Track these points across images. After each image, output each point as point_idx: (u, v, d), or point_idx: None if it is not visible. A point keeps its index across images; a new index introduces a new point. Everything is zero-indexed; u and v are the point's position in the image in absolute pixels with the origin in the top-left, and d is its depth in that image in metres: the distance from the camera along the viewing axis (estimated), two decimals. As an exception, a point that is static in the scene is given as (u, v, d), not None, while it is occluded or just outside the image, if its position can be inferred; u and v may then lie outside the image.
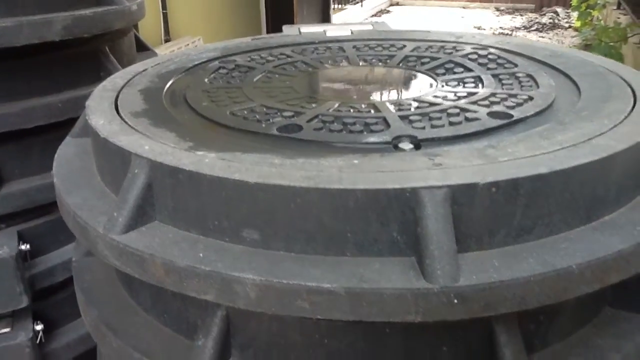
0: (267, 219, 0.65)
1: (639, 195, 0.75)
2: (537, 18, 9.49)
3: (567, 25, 8.85)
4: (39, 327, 1.31)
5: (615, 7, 6.84)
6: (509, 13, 10.12)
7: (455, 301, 0.59)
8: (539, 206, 0.64)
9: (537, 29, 8.66)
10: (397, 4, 10.99)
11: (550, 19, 9.38)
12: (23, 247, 1.28)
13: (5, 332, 1.27)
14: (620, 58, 4.67)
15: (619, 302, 0.81)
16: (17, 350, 1.26)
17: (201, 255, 0.66)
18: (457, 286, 0.59)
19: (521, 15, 9.91)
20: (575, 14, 8.15)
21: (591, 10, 7.48)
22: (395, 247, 0.63)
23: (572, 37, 7.41)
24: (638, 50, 4.89)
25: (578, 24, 7.44)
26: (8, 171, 1.29)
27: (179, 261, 0.65)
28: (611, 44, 5.11)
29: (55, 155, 0.94)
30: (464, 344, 0.70)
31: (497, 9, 10.43)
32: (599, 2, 7.26)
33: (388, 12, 10.21)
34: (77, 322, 1.41)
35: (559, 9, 9.81)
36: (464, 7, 10.50)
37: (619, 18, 6.22)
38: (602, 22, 6.98)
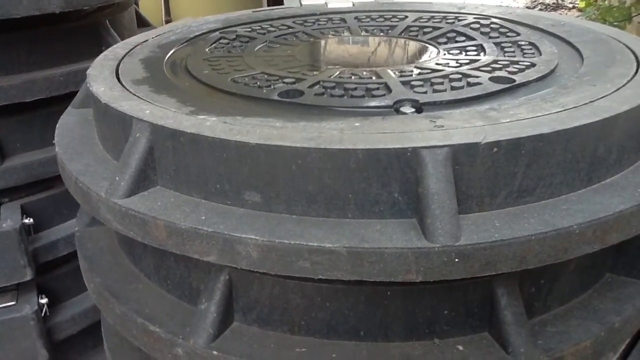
0: (268, 180, 0.65)
1: (640, 159, 0.75)
2: (540, -2, 9.40)
3: (571, 5, 8.77)
4: (43, 301, 1.32)
5: (619, -13, 6.77)
6: (512, -7, 10.02)
7: (456, 260, 0.59)
8: (540, 167, 0.64)
9: (540, 10, 8.58)
10: (400, -16, 10.90)
11: (554, -1, 9.28)
12: (26, 220, 1.29)
13: (11, 305, 1.28)
14: (624, 37, 4.63)
15: (620, 268, 0.82)
16: (22, 322, 1.27)
17: (203, 217, 0.66)
18: (458, 245, 0.59)
19: (525, -5, 9.81)
20: (579, -6, 8.07)
21: (595, -10, 7.41)
22: (396, 208, 0.63)
23: (576, 17, 7.32)
24: (643, 29, 4.85)
25: (582, 4, 7.37)
26: (10, 145, 1.29)
27: (181, 223, 0.65)
28: (615, 23, 5.07)
29: (57, 125, 0.94)
30: (465, 306, 0.71)
31: (501, -11, 10.33)
32: (603, -19, 7.19)
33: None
34: (81, 297, 1.43)
35: (563, -11, 9.70)
36: (467, -12, 10.41)
37: (623, -3, 6.16)
38: (606, 2, 6.92)
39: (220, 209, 0.67)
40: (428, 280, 0.61)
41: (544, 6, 8.88)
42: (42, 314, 1.30)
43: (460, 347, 0.70)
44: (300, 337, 0.72)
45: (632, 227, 0.65)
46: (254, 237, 0.62)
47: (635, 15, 5.15)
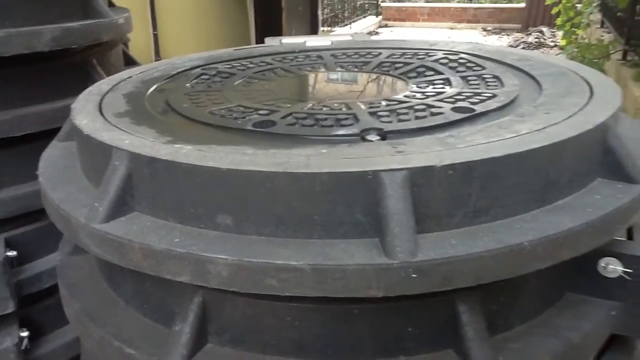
0: (239, 204, 0.69)
1: (593, 181, 0.79)
2: (523, 37, 9.68)
3: (552, 44, 9.03)
4: (24, 334, 1.33)
5: (598, 26, 7.00)
6: (496, 33, 10.31)
7: (414, 275, 0.63)
8: (494, 188, 0.68)
9: (523, 48, 8.81)
10: (386, 25, 11.18)
11: (536, 38, 9.56)
12: (9, 253, 1.31)
13: (-8, 338, 1.29)
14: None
15: (579, 287, 0.85)
16: (2, 355, 1.28)
17: (177, 240, 0.69)
18: (416, 261, 0.63)
19: (508, 35, 10.09)
20: (560, 33, 8.31)
21: (576, 29, 7.64)
22: (360, 229, 0.67)
23: (557, 54, 7.53)
24: (620, 66, 5.00)
25: (563, 42, 7.59)
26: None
27: (156, 245, 0.68)
28: (594, 60, 5.22)
29: (41, 157, 0.98)
30: (429, 324, 0.74)
31: (484, 29, 10.62)
32: (583, 20, 7.42)
33: (377, 33, 10.38)
34: (63, 330, 1.44)
35: (545, 29, 10.00)
36: (451, 28, 10.69)
37: (602, 36, 6.36)
38: (586, 40, 7.14)
39: (194, 232, 0.71)
40: (389, 296, 0.65)
41: (526, 44, 9.13)
42: (23, 347, 1.31)
43: (426, 364, 0.73)
44: (272, 356, 0.75)
45: (581, 244, 0.69)
46: (224, 256, 0.65)
47: (613, 53, 5.32)
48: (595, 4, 7.08)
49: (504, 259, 0.65)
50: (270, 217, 0.68)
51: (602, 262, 0.81)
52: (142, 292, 0.83)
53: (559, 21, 8.11)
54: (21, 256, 1.35)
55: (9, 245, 1.32)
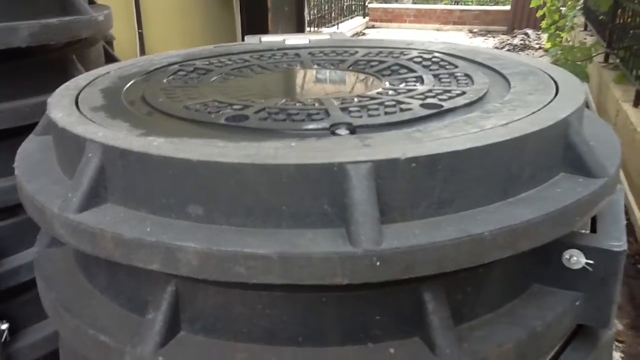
0: (209, 195, 0.70)
1: (556, 175, 0.82)
2: (508, 40, 9.77)
3: (537, 46, 9.12)
4: (4, 326, 1.33)
5: (582, 29, 7.09)
6: (482, 35, 10.40)
7: (378, 263, 0.65)
8: (457, 181, 0.71)
9: (508, 50, 8.89)
10: (373, 27, 11.22)
11: (521, 40, 9.65)
12: (-13, 247, 1.31)
13: (-30, 331, 1.30)
14: (585, 76, 4.83)
15: (545, 279, 0.88)
16: (-19, 347, 1.28)
17: (148, 229, 0.71)
18: (379, 249, 0.65)
19: (493, 37, 10.18)
20: (545, 36, 8.41)
21: (560, 32, 7.73)
22: (326, 219, 0.69)
23: (541, 57, 7.62)
24: (602, 68, 5.08)
25: (548, 45, 7.69)
26: (-25, 173, 1.33)
27: (127, 234, 0.70)
28: (577, 62, 5.29)
29: (18, 150, 0.98)
30: (396, 312, 0.76)
31: (470, 31, 10.71)
32: (567, 24, 7.52)
33: (364, 34, 10.42)
34: (42, 324, 1.44)
35: (530, 31, 10.11)
36: (437, 30, 10.76)
37: (585, 39, 6.45)
38: (570, 43, 7.23)
39: (165, 222, 0.72)
40: (356, 285, 0.67)
41: (512, 46, 9.22)
42: (3, 340, 1.32)
43: (392, 350, 0.75)
44: (243, 344, 0.77)
45: (540, 235, 0.72)
46: (193, 245, 0.67)
47: (595, 55, 5.39)
48: (579, 8, 7.18)
49: (465, 248, 0.67)
50: (240, 208, 0.70)
51: (566, 254, 0.84)
52: (116, 283, 0.84)
53: (543, 24, 8.21)
54: (-1, 251, 1.35)
55: (-14, 239, 1.33)
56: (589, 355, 0.91)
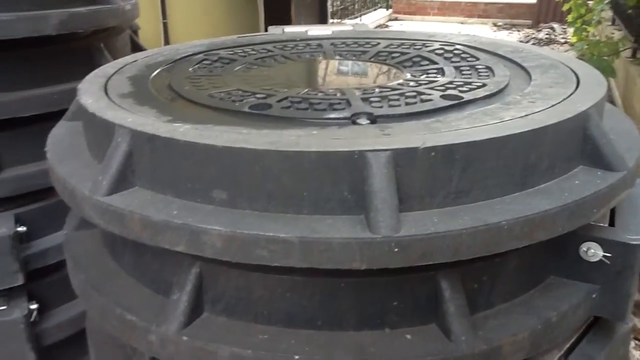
0: (233, 180, 0.73)
1: (575, 168, 0.83)
2: (533, 34, 9.63)
3: (563, 40, 8.99)
4: (33, 306, 1.38)
5: (610, 23, 6.97)
6: (506, 28, 10.27)
7: (396, 250, 0.66)
8: (474, 171, 0.72)
9: (533, 44, 8.77)
10: (396, 19, 11.16)
11: (546, 34, 9.51)
12: (19, 229, 1.36)
13: (2, 309, 1.34)
14: (612, 71, 4.76)
15: (561, 271, 0.88)
16: (12, 326, 1.33)
17: (175, 212, 0.73)
18: (397, 236, 0.66)
19: (518, 30, 10.05)
20: (571, 30, 8.28)
21: (587, 26, 7.60)
22: (346, 205, 0.71)
23: (566, 51, 7.52)
24: (630, 63, 5.00)
25: (574, 39, 7.56)
26: (6, 157, 1.37)
27: (154, 216, 0.73)
28: (604, 57, 5.21)
29: (49, 135, 1.02)
30: (413, 299, 0.78)
31: (495, 24, 10.58)
32: (594, 18, 7.39)
33: (387, 26, 10.36)
34: (69, 305, 1.49)
35: (556, 25, 9.96)
36: (462, 23, 10.65)
37: (613, 33, 6.34)
38: (597, 37, 7.11)
39: (190, 206, 0.75)
40: (375, 270, 0.69)
41: (537, 40, 9.10)
42: (32, 319, 1.36)
43: (409, 336, 0.77)
44: (263, 325, 0.79)
45: (557, 225, 0.73)
46: (218, 228, 0.69)
47: (622, 50, 5.30)
48: (606, 1, 7.05)
49: (482, 236, 0.68)
50: (262, 193, 0.72)
51: (584, 247, 0.85)
52: (142, 264, 0.87)
53: (570, 18, 8.07)
54: (30, 232, 1.40)
55: (18, 221, 1.37)
56: (604, 348, 0.92)
